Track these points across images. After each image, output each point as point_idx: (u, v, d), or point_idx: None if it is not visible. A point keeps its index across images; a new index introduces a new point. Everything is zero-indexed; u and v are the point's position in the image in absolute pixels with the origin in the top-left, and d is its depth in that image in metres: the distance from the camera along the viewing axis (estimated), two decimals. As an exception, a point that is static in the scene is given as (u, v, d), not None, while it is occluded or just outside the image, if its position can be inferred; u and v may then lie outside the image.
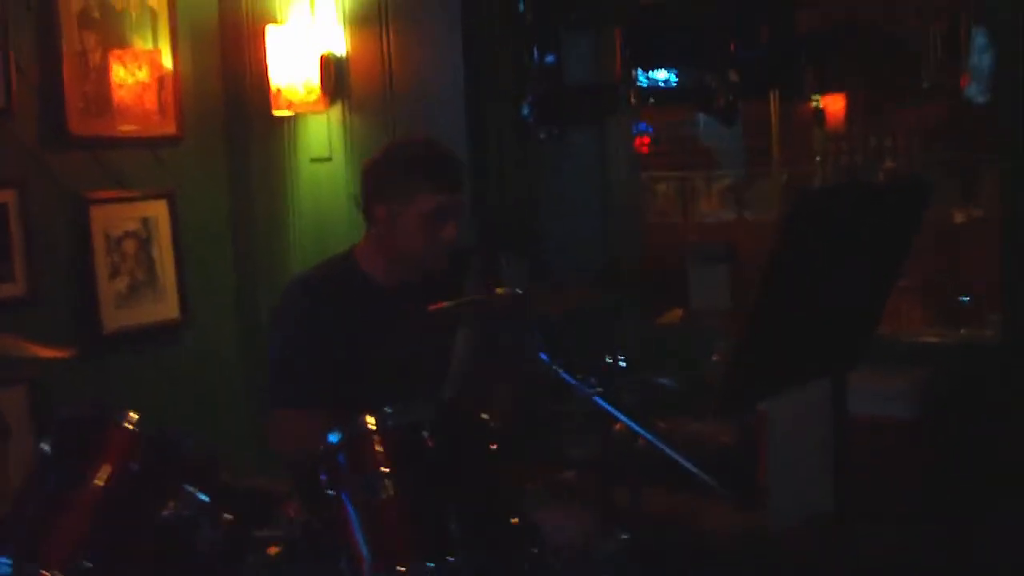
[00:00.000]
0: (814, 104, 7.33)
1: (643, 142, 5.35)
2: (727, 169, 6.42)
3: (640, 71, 4.80)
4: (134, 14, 4.20)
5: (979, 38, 5.40)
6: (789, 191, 5.77)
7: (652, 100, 4.97)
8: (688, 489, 2.69)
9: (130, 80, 4.22)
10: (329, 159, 4.32)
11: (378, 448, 2.36)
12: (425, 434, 2.38)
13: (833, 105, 7.30)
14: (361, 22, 4.22)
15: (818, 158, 7.26)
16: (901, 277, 2.96)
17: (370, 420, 2.39)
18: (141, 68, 4.25)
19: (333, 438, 2.39)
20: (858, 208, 2.54)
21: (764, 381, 2.59)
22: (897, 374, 3.44)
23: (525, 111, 4.05)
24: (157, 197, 4.28)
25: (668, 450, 2.41)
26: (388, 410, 2.40)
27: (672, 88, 5.09)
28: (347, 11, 4.24)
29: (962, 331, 4.34)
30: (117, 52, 4.16)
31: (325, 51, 4.23)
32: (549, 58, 4.14)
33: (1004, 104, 3.79)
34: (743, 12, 5.10)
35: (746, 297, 2.55)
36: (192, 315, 4.38)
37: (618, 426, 2.53)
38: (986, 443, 3.46)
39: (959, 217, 5.43)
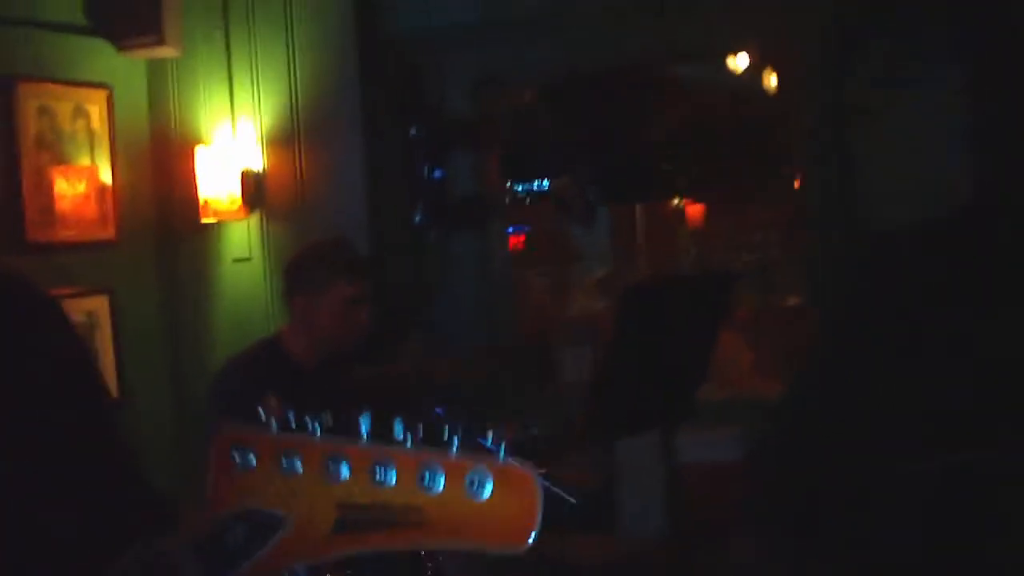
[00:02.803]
0: (677, 203, 8.11)
1: (519, 240, 6.08)
2: (596, 263, 7.15)
3: (515, 182, 5.57)
4: (80, 135, 4.86)
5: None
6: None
7: (526, 205, 5.77)
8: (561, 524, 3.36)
9: (71, 192, 4.82)
10: (249, 259, 4.94)
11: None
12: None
13: (695, 203, 8.08)
14: (277, 142, 4.89)
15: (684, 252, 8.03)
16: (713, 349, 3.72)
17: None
18: (82, 182, 4.87)
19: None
20: (676, 296, 3.29)
21: (616, 428, 3.31)
22: (726, 426, 4.23)
23: (417, 218, 4.75)
24: (99, 293, 4.86)
25: (549, 485, 3.06)
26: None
27: (542, 194, 5.88)
28: (265, 133, 4.91)
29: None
30: (62, 168, 4.76)
31: (245, 167, 4.89)
32: (437, 173, 4.83)
33: (812, 200, 4.58)
34: (600, 125, 5.83)
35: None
36: (130, 396, 4.92)
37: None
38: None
39: (791, 300, 6.25)
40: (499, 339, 4.86)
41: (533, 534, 1.02)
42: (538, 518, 1.02)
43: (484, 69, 5.02)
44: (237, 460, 1.03)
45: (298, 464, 1.04)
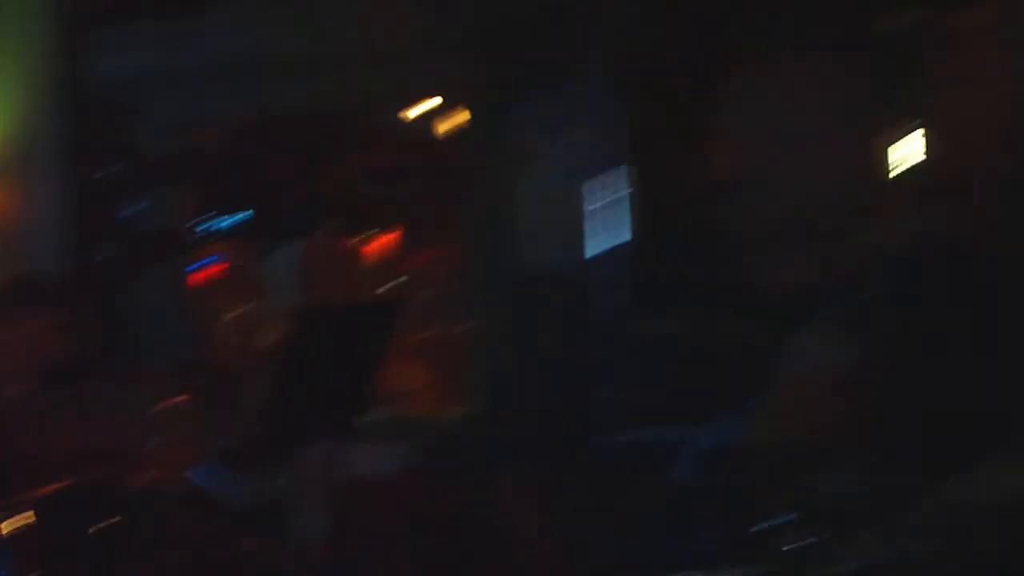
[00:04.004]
0: (362, 236, 8.47)
1: (209, 272, 6.29)
2: (282, 294, 7.39)
3: (205, 217, 5.82)
4: None
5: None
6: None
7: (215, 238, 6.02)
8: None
9: None
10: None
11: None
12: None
13: (378, 237, 8.46)
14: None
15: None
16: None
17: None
18: None
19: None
20: (340, 322, 3.70)
21: (283, 444, 3.67)
22: (392, 442, 4.69)
23: (110, 252, 4.98)
24: None
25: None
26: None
27: (231, 229, 6.15)
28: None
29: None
30: None
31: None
32: (131, 209, 5.08)
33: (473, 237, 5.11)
34: (290, 164, 6.13)
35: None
36: None
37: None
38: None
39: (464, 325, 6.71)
40: (189, 366, 5.15)
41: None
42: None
43: (179, 109, 5.28)
44: None
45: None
